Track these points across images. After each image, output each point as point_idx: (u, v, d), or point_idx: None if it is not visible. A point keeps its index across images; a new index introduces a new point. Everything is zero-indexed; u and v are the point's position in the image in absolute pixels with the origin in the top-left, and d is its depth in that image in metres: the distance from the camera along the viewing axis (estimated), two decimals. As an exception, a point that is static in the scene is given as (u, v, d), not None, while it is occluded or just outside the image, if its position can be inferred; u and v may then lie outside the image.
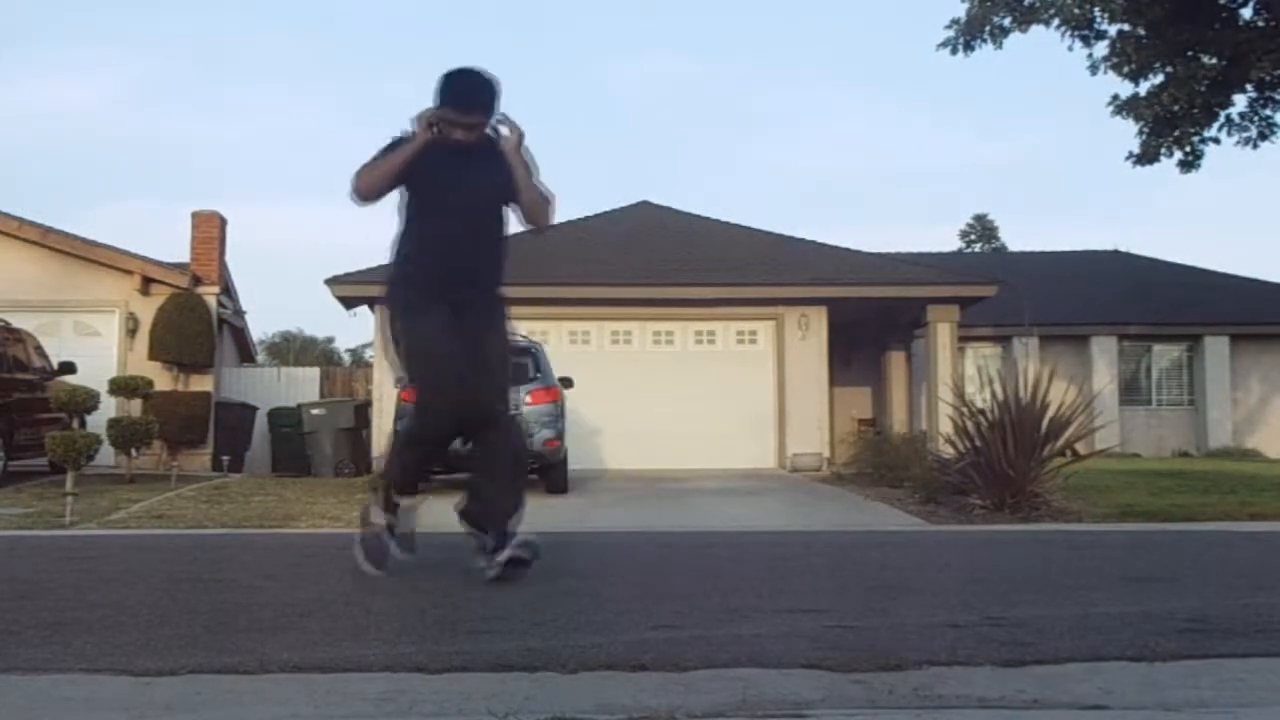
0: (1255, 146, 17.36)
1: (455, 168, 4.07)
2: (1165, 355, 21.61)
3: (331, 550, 5.98)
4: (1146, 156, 17.21)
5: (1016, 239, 45.24)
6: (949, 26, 17.17)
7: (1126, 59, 16.68)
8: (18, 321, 12.86)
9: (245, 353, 20.89)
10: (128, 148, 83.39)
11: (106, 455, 12.06)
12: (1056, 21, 16.74)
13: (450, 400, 4.06)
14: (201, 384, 15.88)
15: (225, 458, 14.05)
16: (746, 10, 79.17)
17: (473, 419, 4.11)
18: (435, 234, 4.13)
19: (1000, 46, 17.05)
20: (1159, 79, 16.85)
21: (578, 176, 75.18)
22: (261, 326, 54.69)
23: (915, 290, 16.01)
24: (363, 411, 15.21)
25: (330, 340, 51.64)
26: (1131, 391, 21.25)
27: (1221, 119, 17.19)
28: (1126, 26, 16.87)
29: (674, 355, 15.70)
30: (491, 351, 4.16)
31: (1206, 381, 21.04)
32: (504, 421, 4.22)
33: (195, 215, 16.70)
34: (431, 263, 4.14)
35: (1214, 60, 16.49)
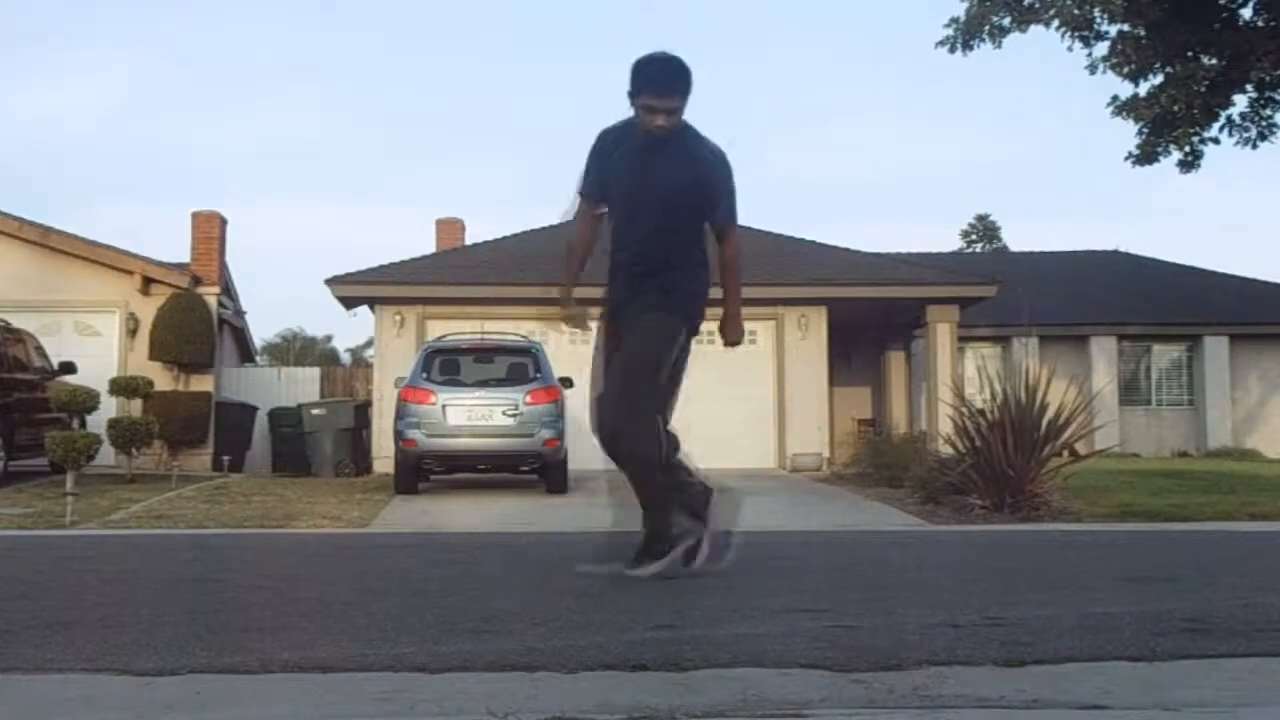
0: (1255, 147, 17.37)
1: (646, 160, 4.16)
2: (1165, 355, 21.61)
3: (332, 550, 5.99)
4: (1146, 157, 17.20)
5: (1018, 239, 45.27)
6: (948, 25, 17.17)
7: (1126, 59, 16.67)
8: (18, 321, 12.85)
9: (245, 353, 20.90)
10: (128, 148, 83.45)
11: (107, 455, 12.06)
12: (1056, 22, 16.73)
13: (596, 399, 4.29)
14: (202, 384, 15.88)
15: (226, 458, 14.04)
16: (746, 11, 79.20)
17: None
18: (625, 225, 4.28)
19: (999, 46, 17.04)
20: (1159, 79, 16.84)
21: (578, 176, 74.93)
22: (262, 327, 54.70)
23: (915, 290, 16.01)
24: (363, 411, 15.20)
25: (330, 340, 51.66)
26: (1131, 391, 21.25)
27: (1221, 119, 17.19)
28: (1126, 27, 16.87)
29: (674, 355, 15.68)
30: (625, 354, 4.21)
31: (1206, 381, 21.04)
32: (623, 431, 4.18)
33: (195, 215, 16.70)
34: (621, 253, 4.28)
35: (1214, 60, 16.48)
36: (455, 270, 15.66)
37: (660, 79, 4.08)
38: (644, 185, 4.17)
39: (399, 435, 10.94)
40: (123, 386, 12.93)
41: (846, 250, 17.34)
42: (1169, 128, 16.84)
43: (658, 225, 4.21)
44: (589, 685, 2.37)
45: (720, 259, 4.42)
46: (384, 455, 13.62)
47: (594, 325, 4.39)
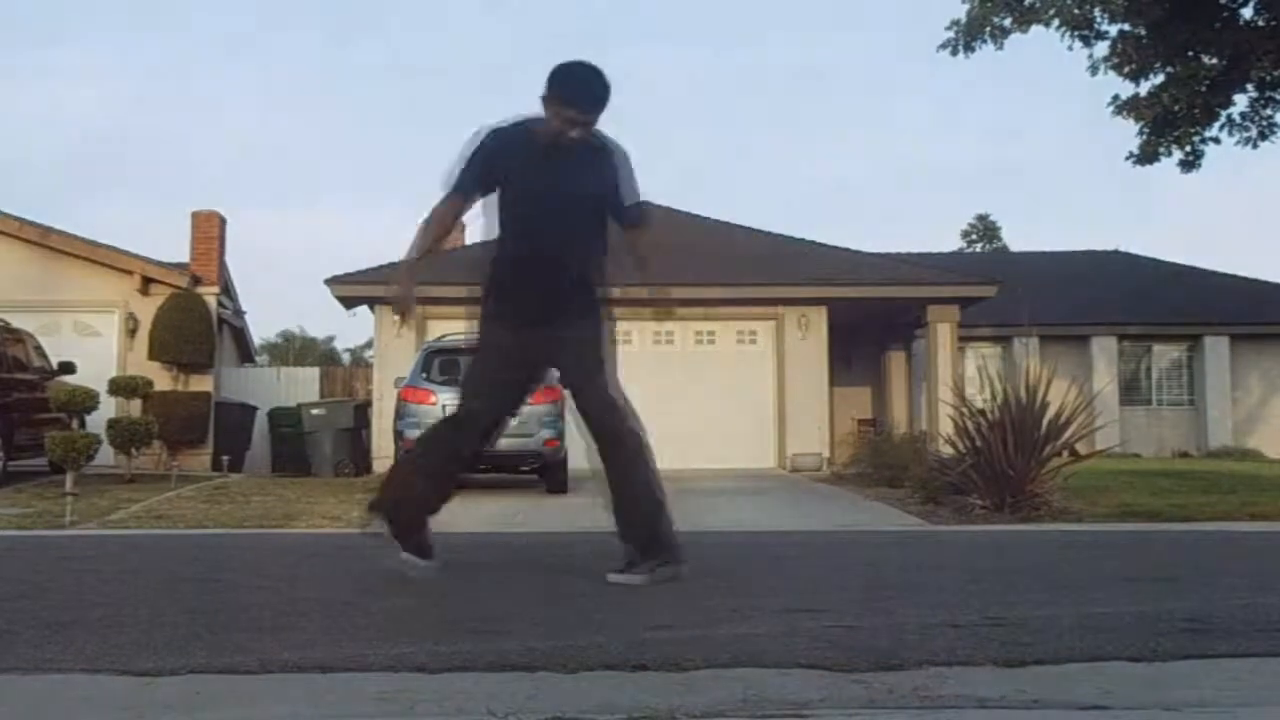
0: (1255, 146, 17.33)
1: (555, 165, 4.03)
2: (1165, 355, 21.62)
3: (332, 550, 5.99)
4: (1146, 156, 17.18)
5: (1017, 239, 45.26)
6: (949, 28, 17.15)
7: (1127, 59, 16.66)
8: (18, 321, 12.84)
9: (245, 353, 20.89)
10: (128, 148, 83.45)
11: (106, 455, 12.05)
12: (1056, 22, 16.73)
13: (466, 410, 4.29)
14: (201, 384, 15.88)
15: (225, 458, 14.04)
16: (746, 9, 79.24)
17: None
18: (536, 231, 4.13)
19: (1000, 47, 17.03)
20: (1159, 79, 16.83)
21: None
22: (262, 327, 54.68)
23: (915, 290, 16.02)
24: (362, 411, 15.21)
25: (330, 340, 51.65)
26: (1132, 391, 21.26)
27: (1222, 119, 17.17)
28: (1126, 26, 16.86)
29: (674, 355, 15.68)
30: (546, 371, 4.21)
31: (1206, 381, 21.05)
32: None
33: (195, 215, 16.70)
34: (521, 266, 4.17)
35: (1214, 60, 16.47)
36: (455, 270, 15.69)
37: (592, 94, 3.97)
38: (558, 190, 4.04)
39: (399, 435, 10.95)
40: (122, 386, 12.93)
41: (846, 250, 17.35)
42: (1170, 127, 16.82)
43: (576, 229, 4.11)
44: (589, 685, 2.37)
45: (635, 249, 4.29)
46: (384, 455, 13.62)
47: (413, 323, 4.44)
